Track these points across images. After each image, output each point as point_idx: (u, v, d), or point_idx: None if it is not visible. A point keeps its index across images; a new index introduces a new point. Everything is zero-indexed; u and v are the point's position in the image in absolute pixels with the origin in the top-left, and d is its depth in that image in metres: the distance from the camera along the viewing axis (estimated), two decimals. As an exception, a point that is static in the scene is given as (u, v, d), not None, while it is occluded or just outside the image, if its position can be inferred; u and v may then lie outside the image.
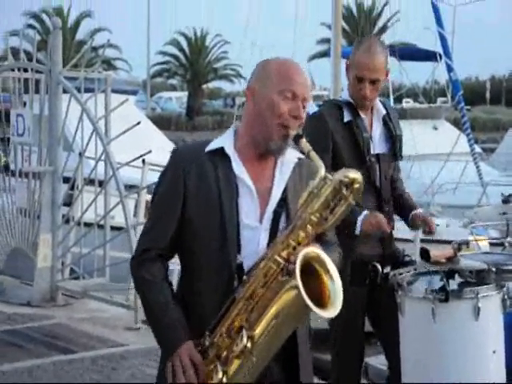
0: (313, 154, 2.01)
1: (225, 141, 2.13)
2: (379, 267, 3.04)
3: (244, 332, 1.90)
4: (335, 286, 1.92)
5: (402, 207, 3.24)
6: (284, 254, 1.94)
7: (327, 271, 1.93)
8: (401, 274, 2.92)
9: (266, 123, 2.06)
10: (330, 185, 1.94)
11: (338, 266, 2.09)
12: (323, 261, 1.93)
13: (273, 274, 1.93)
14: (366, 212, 3.01)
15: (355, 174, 1.95)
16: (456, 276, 2.83)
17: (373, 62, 3.03)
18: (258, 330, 1.90)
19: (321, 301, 1.90)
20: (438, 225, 9.80)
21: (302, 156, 2.12)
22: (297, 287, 1.84)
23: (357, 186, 1.93)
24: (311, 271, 1.92)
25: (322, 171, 1.96)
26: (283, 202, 2.10)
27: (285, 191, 2.11)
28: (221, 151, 2.10)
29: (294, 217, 2.00)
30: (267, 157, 2.12)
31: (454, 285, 2.78)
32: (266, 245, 2.04)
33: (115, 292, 5.79)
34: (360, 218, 2.99)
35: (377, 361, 4.71)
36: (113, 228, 6.03)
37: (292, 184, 2.13)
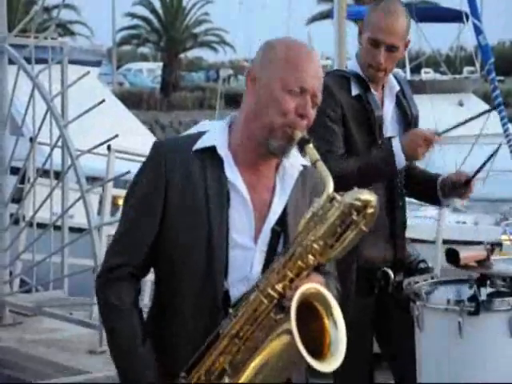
0: (320, 165, 1.99)
1: (217, 137, 2.10)
2: (391, 274, 3.05)
3: (226, 379, 1.89)
4: (338, 334, 1.92)
5: (423, 180, 3.22)
6: (279, 286, 1.93)
7: (330, 314, 1.92)
8: (417, 282, 2.92)
9: (267, 120, 2.05)
10: (337, 208, 1.92)
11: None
12: (326, 301, 1.93)
13: (264, 310, 1.92)
14: (396, 139, 3.02)
15: (369, 196, 1.93)
16: (488, 284, 2.83)
17: (391, 22, 3.04)
18: (242, 378, 1.89)
19: (319, 348, 1.90)
20: (464, 222, 9.80)
21: (307, 163, 2.11)
22: (290, 332, 1.83)
23: (370, 210, 1.92)
24: (311, 310, 1.91)
25: (330, 188, 1.94)
26: (284, 218, 2.08)
27: (286, 206, 2.09)
28: (212, 150, 2.07)
29: (294, 240, 1.98)
30: (267, 160, 2.10)
31: (482, 295, 2.78)
32: (261, 270, 2.03)
33: (76, 308, 5.75)
34: (396, 146, 2.98)
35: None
36: (72, 229, 5.99)
37: (294, 197, 2.11)
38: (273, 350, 1.88)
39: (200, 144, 2.09)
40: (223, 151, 2.08)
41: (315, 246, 1.93)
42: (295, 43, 2.10)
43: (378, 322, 3.16)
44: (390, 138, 3.08)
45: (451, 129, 3.17)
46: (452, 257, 2.91)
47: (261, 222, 2.07)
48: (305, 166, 2.13)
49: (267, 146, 2.05)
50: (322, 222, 1.92)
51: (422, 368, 2.83)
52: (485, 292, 2.80)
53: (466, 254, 2.91)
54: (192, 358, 1.97)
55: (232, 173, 2.07)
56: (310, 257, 1.93)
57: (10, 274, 5.93)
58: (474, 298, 2.70)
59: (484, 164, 3.19)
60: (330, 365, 1.88)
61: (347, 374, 3.13)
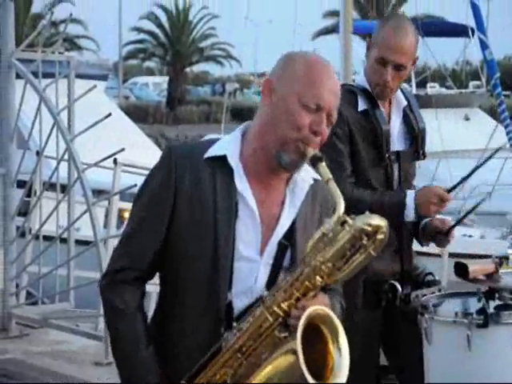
0: (332, 185, 1.99)
1: (229, 146, 2.10)
2: (398, 286, 3.05)
3: None
4: (342, 360, 1.92)
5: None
6: (285, 305, 1.93)
7: (336, 339, 1.93)
8: (424, 295, 2.93)
9: (281, 132, 2.04)
10: (348, 232, 1.92)
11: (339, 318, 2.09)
12: (333, 325, 1.93)
13: (269, 328, 1.93)
14: (411, 191, 3.04)
15: (380, 222, 1.93)
16: (496, 298, 2.84)
17: (400, 42, 3.03)
18: None
19: (321, 371, 1.90)
20: (470, 236, 9.80)
21: (318, 177, 2.10)
22: (295, 352, 1.84)
23: (381, 236, 1.92)
24: (316, 332, 1.92)
25: (341, 209, 1.94)
26: (292, 232, 2.08)
27: (295, 219, 2.09)
28: (223, 159, 2.07)
29: (301, 258, 1.98)
30: (278, 173, 2.09)
31: (490, 307, 2.78)
32: (265, 283, 2.04)
33: (81, 320, 5.77)
34: (409, 198, 3.01)
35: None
36: (78, 242, 5.99)
37: (304, 211, 2.11)
38: (276, 367, 1.88)
39: (211, 152, 2.08)
40: (234, 161, 2.07)
41: (323, 267, 1.93)
42: (315, 59, 2.09)
43: (385, 334, 3.15)
44: (405, 193, 3.08)
45: (462, 182, 3.17)
46: (461, 270, 2.91)
47: (268, 235, 2.07)
48: (315, 180, 2.12)
49: (279, 159, 2.05)
50: (331, 244, 1.92)
51: (430, 381, 2.83)
52: (492, 305, 2.80)
53: (475, 268, 2.91)
54: (193, 367, 1.98)
55: (242, 184, 2.06)
56: (318, 278, 1.93)
57: (17, 286, 5.95)
58: (482, 311, 2.70)
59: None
60: None
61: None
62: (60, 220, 5.81)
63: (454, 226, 3.10)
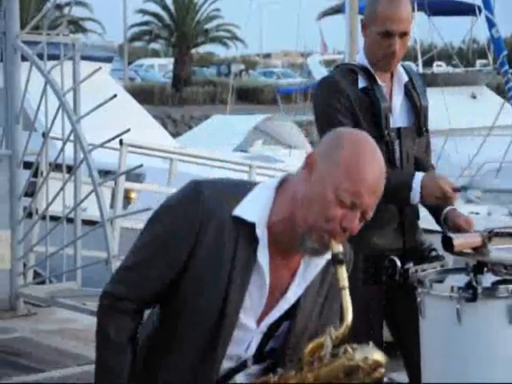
0: (345, 294, 1.94)
1: (258, 210, 1.98)
2: (398, 262, 3.06)
3: None
4: None
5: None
6: None
7: None
8: (424, 270, 2.93)
9: (311, 216, 1.94)
10: (346, 361, 1.88)
11: None
12: None
13: None
14: (420, 173, 3.04)
15: (380, 358, 1.89)
16: (487, 272, 2.83)
17: (400, 11, 3.06)
18: None
19: None
20: (477, 213, 9.79)
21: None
22: None
23: (377, 375, 1.89)
24: None
25: (349, 321, 1.92)
26: (295, 309, 2.03)
27: (301, 296, 2.04)
28: (250, 224, 1.97)
29: (294, 363, 1.96)
30: (298, 249, 2.01)
31: (484, 281, 2.78)
32: (256, 349, 2.02)
33: (88, 298, 5.78)
34: (416, 182, 3.01)
35: (404, 377, 4.75)
36: (85, 222, 6.02)
37: (313, 288, 2.05)
38: None
39: (241, 212, 1.97)
40: (261, 230, 1.97)
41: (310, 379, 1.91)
42: (364, 144, 1.97)
43: (387, 309, 3.18)
44: (413, 174, 3.07)
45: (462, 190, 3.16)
46: (447, 244, 2.88)
47: (271, 306, 2.01)
48: (329, 261, 2.03)
49: (301, 241, 1.96)
50: (326, 366, 1.90)
51: (424, 355, 2.85)
52: (486, 279, 2.79)
53: (460, 241, 2.87)
54: None
55: (263, 258, 1.97)
56: None
57: (24, 265, 5.99)
58: (470, 286, 2.69)
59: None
60: None
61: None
62: (66, 200, 5.84)
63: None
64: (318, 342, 1.92)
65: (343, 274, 1.95)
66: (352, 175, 1.92)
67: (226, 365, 2.00)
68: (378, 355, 1.89)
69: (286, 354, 2.04)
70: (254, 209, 1.98)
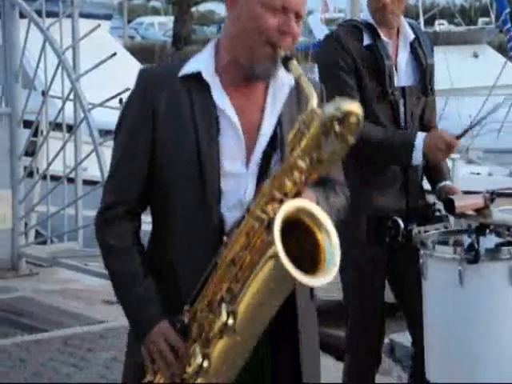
0: (303, 80, 1.91)
1: (202, 63, 2.04)
2: (401, 223, 3.03)
3: (223, 306, 1.86)
4: (332, 247, 1.86)
5: (430, 168, 3.20)
6: (268, 208, 1.86)
7: (322, 229, 1.86)
8: (427, 231, 2.92)
9: (249, 41, 1.98)
10: (317, 120, 1.83)
11: (343, 213, 2.06)
12: (313, 214, 1.86)
13: (256, 234, 1.86)
14: (422, 133, 3.02)
15: (350, 106, 1.81)
16: (493, 236, 2.82)
17: None
18: (241, 304, 1.86)
19: (315, 264, 1.85)
20: (478, 173, 9.76)
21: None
22: (277, 256, 1.78)
23: (353, 120, 1.81)
24: (300, 228, 1.87)
25: (314, 102, 1.86)
26: (275, 139, 2.03)
27: (279, 124, 2.04)
28: (198, 76, 2.02)
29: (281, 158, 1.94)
30: (255, 82, 2.04)
31: (486, 243, 2.77)
32: (254, 194, 1.98)
33: (90, 259, 5.79)
34: (418, 141, 2.99)
35: (404, 338, 4.77)
36: (86, 182, 6.02)
37: (288, 115, 2.05)
38: (264, 275, 1.83)
39: (185, 70, 2.02)
40: (209, 76, 2.01)
41: (300, 162, 1.85)
42: None
43: (390, 270, 3.17)
44: (415, 134, 3.05)
45: (469, 129, 3.13)
46: (448, 205, 2.88)
47: (252, 146, 2.02)
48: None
49: (253, 71, 1.99)
50: (304, 136, 1.84)
51: (426, 316, 2.85)
52: (489, 241, 2.79)
53: (462, 203, 2.86)
54: (194, 289, 1.94)
55: (220, 97, 2.00)
56: (296, 174, 1.86)
57: (26, 225, 6.00)
58: (472, 247, 2.69)
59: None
60: (325, 278, 1.83)
61: (359, 324, 3.19)
62: (67, 160, 5.84)
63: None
64: (294, 129, 1.87)
65: (295, 66, 1.94)
66: None
67: (235, 215, 1.98)
68: (347, 104, 1.82)
69: None
70: (196, 64, 2.03)
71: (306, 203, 1.87)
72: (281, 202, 1.86)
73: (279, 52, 1.96)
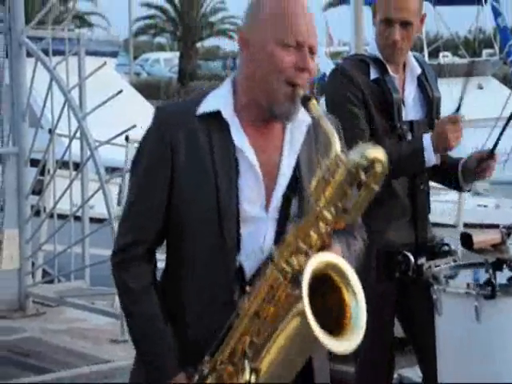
0: (323, 122, 1.89)
1: (221, 100, 2.00)
2: (411, 257, 3.03)
3: (246, 363, 1.82)
4: (359, 307, 1.83)
5: (445, 165, 3.13)
6: (294, 261, 1.82)
7: (349, 286, 1.83)
8: (438, 265, 2.91)
9: (266, 82, 1.95)
10: (343, 169, 1.80)
11: (361, 258, 2.04)
12: (343, 272, 1.82)
13: (281, 287, 1.83)
14: (427, 134, 3.00)
15: (375, 153, 1.79)
16: (505, 269, 2.81)
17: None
18: (264, 361, 1.82)
19: (339, 322, 1.81)
20: (485, 206, 9.76)
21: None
22: (304, 314, 1.74)
23: (378, 168, 1.79)
24: (327, 282, 1.83)
25: (337, 147, 1.83)
26: (295, 181, 1.99)
27: (297, 165, 2.01)
28: (217, 114, 1.98)
29: (307, 203, 1.90)
30: (274, 122, 2.01)
31: (502, 278, 2.76)
32: (274, 239, 1.96)
33: (97, 298, 5.77)
34: (426, 141, 2.97)
35: (413, 373, 4.73)
36: (93, 220, 6.03)
37: (305, 154, 2.02)
38: (290, 332, 1.79)
39: (204, 108, 1.99)
40: (229, 115, 1.98)
41: (325, 212, 1.82)
42: None
43: (400, 305, 3.15)
44: (421, 137, 3.04)
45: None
46: (466, 240, 2.89)
47: (271, 187, 1.98)
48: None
49: (273, 112, 1.97)
50: (329, 185, 1.82)
51: (440, 352, 2.82)
52: (504, 276, 2.77)
53: (480, 238, 2.88)
54: (214, 339, 1.90)
55: (239, 137, 1.97)
56: (322, 225, 1.83)
57: (33, 265, 5.98)
58: (490, 282, 2.68)
59: (497, 142, 3.13)
60: (351, 342, 1.78)
61: (368, 360, 3.16)
62: (74, 198, 5.83)
63: (496, 145, 3.05)
64: (318, 176, 1.84)
65: (315, 105, 1.92)
66: (283, 17, 1.94)
67: (254, 263, 1.95)
68: (373, 152, 1.81)
69: None
70: (215, 102, 2.00)
71: (334, 258, 1.83)
72: (306, 254, 1.83)
73: (298, 91, 1.94)
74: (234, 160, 1.96)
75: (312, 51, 1.96)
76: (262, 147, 1.99)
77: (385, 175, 1.81)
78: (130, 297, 2.02)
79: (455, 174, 3.14)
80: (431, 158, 2.99)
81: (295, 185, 2.00)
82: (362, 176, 1.79)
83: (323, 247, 1.85)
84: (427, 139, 3.00)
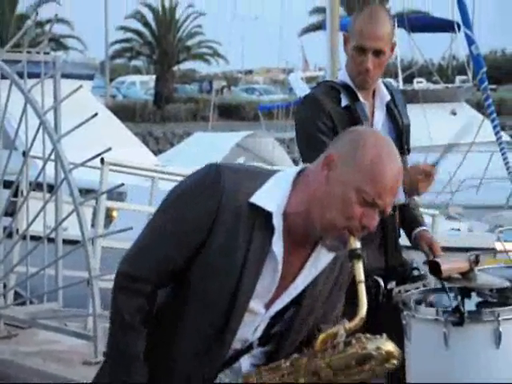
0: (361, 288, 1.97)
1: (275, 201, 1.98)
2: (381, 282, 3.04)
3: None
4: None
5: (405, 218, 3.22)
6: None
7: None
8: (407, 290, 2.92)
9: (331, 214, 1.96)
10: (358, 351, 1.90)
11: None
12: None
13: None
14: None
15: (393, 349, 1.92)
16: (473, 295, 2.83)
17: (376, 28, 3.06)
18: None
19: None
20: (458, 229, 9.83)
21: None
22: None
23: (391, 365, 1.92)
24: None
25: (363, 314, 1.94)
26: (303, 296, 2.04)
27: (311, 285, 2.05)
28: (266, 214, 1.97)
29: (307, 352, 1.97)
30: (313, 241, 2.04)
31: (471, 305, 2.77)
32: (263, 331, 2.03)
33: (70, 319, 5.75)
34: None
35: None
36: (66, 242, 5.99)
37: (320, 279, 2.06)
38: None
39: (258, 200, 1.97)
40: (277, 220, 1.97)
41: (323, 372, 1.93)
42: (385, 147, 2.00)
43: (370, 330, 3.16)
44: None
45: (442, 155, 3.12)
46: (434, 268, 2.87)
47: (279, 293, 2.02)
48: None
49: (320, 239, 2.00)
50: (338, 354, 1.92)
51: (411, 377, 2.83)
52: (473, 302, 2.79)
53: (448, 266, 2.86)
54: None
55: (277, 246, 1.98)
56: (314, 377, 1.94)
57: (4, 286, 5.93)
58: (457, 310, 2.68)
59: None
60: None
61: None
62: (47, 220, 5.80)
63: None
64: (331, 332, 1.94)
65: (360, 268, 1.98)
66: (376, 180, 1.95)
67: (233, 347, 2.02)
68: (390, 346, 1.92)
69: (290, 337, 2.06)
70: (270, 198, 1.98)
71: None
72: None
73: (353, 242, 1.98)
74: (263, 261, 1.98)
75: (384, 211, 1.99)
76: (288, 256, 2.01)
77: (393, 368, 1.94)
78: (120, 325, 2.02)
79: (409, 232, 3.19)
80: (401, 196, 3.01)
81: (300, 298, 2.05)
82: (373, 364, 1.91)
83: None
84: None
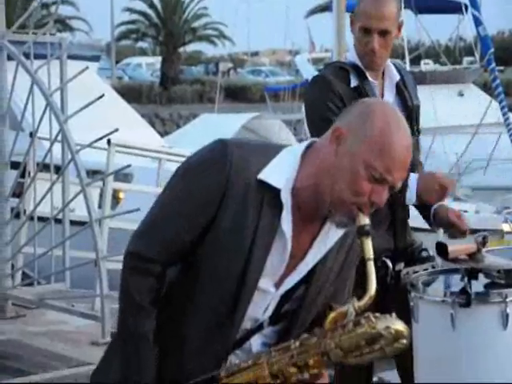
0: (370, 266, 1.95)
1: (284, 176, 1.96)
2: (389, 264, 3.04)
3: None
4: None
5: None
6: (288, 370, 1.93)
7: None
8: (416, 272, 2.91)
9: (339, 190, 1.94)
10: (367, 331, 1.89)
11: None
12: None
13: (262, 380, 1.93)
14: (414, 174, 3.00)
15: (402, 328, 1.90)
16: (481, 276, 2.82)
17: (381, 8, 3.05)
18: None
19: None
20: (465, 211, 9.79)
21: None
22: None
23: (400, 345, 1.89)
24: None
25: (372, 292, 1.94)
26: (313, 273, 2.03)
27: (321, 262, 2.04)
28: (275, 191, 1.95)
29: (316, 332, 1.95)
30: (321, 216, 2.01)
31: (478, 286, 2.76)
32: (273, 310, 2.02)
33: (77, 300, 5.79)
34: (412, 181, 2.97)
35: (393, 375, 4.75)
36: (73, 223, 6.03)
37: (330, 256, 2.05)
38: None
39: (266, 176, 1.95)
40: (285, 197, 1.95)
41: (332, 353, 1.91)
42: (395, 119, 1.96)
43: (379, 310, 3.16)
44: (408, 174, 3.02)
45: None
46: (441, 250, 2.87)
47: (289, 271, 2.01)
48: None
49: (328, 215, 1.97)
50: (348, 333, 1.90)
51: (417, 359, 2.83)
52: (481, 283, 2.78)
53: (455, 248, 2.86)
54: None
55: (286, 222, 1.95)
56: (324, 358, 1.92)
57: (12, 267, 5.97)
58: (464, 291, 2.67)
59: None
60: None
61: (346, 370, 3.12)
62: (54, 201, 5.82)
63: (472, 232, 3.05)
64: (341, 311, 1.93)
65: (369, 245, 1.96)
66: (384, 153, 1.92)
67: (243, 326, 2.00)
68: (400, 325, 1.90)
69: (300, 316, 2.05)
70: (279, 174, 1.96)
71: None
72: (299, 368, 1.93)
73: (361, 219, 1.96)
74: (272, 238, 1.96)
75: (393, 187, 1.97)
76: (298, 233, 1.99)
77: (402, 349, 1.91)
78: (129, 305, 2.01)
79: (428, 212, 3.13)
80: (411, 198, 3.00)
81: (311, 276, 2.03)
82: (383, 344, 1.89)
83: (316, 376, 1.96)
84: (413, 181, 2.99)
